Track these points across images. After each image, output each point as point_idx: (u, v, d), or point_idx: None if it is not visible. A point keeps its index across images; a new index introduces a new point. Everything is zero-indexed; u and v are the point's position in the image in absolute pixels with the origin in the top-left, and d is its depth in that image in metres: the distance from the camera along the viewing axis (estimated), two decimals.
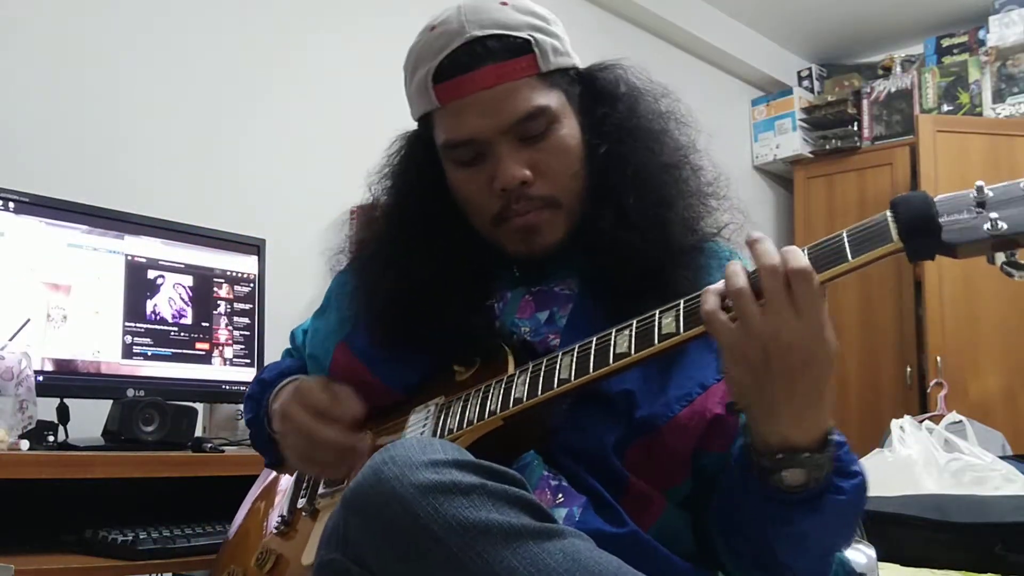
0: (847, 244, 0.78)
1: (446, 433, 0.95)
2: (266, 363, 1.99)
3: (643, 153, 1.00)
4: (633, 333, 0.86)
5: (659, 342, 0.84)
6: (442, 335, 1.02)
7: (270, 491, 1.22)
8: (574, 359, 0.89)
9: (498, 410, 0.91)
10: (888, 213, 0.77)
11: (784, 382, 0.78)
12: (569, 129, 1.00)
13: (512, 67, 0.96)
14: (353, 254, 1.17)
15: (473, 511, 0.72)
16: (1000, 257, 0.75)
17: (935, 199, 0.76)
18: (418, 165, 1.06)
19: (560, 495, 0.91)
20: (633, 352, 0.85)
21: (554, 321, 1.00)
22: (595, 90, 1.03)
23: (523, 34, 0.97)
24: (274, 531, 1.11)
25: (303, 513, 1.09)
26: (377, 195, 1.10)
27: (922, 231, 0.75)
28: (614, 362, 0.86)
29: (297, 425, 1.01)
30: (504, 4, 0.99)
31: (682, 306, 0.85)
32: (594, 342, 0.89)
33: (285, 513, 1.12)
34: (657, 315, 0.86)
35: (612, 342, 0.87)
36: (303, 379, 1.09)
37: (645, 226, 0.96)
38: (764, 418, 0.81)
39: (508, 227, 1.00)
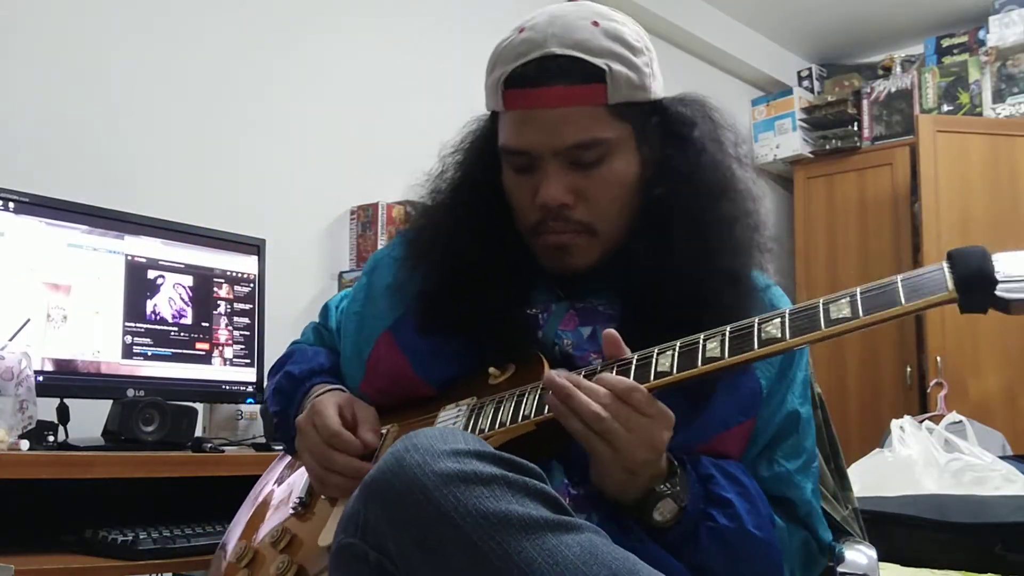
0: (901, 289, 0.80)
1: (477, 433, 0.95)
2: (266, 364, 1.99)
3: (697, 203, 0.99)
4: (676, 353, 0.87)
5: (702, 364, 0.85)
6: (478, 323, 1.02)
7: (286, 474, 1.21)
8: (614, 372, 0.89)
9: (532, 415, 0.92)
10: (945, 264, 0.79)
11: (650, 464, 0.87)
12: (624, 163, 0.99)
13: (580, 92, 0.95)
14: (411, 222, 1.18)
15: (493, 501, 0.72)
16: None
17: (992, 255, 0.78)
18: (485, 153, 1.06)
19: (578, 502, 0.92)
20: (675, 372, 0.86)
21: (596, 339, 0.99)
22: (668, 127, 1.02)
23: (599, 62, 0.95)
24: (291, 512, 1.11)
25: (322, 495, 1.09)
26: (447, 166, 1.11)
27: (977, 285, 0.77)
28: (655, 379, 0.87)
29: (311, 446, 1.02)
30: (595, 24, 0.97)
31: (728, 333, 0.86)
32: (635, 359, 0.90)
33: (303, 495, 1.11)
34: (702, 339, 0.87)
35: (654, 360, 0.88)
36: (323, 399, 1.07)
37: (683, 273, 0.96)
38: (629, 488, 0.88)
39: (542, 241, 1.01)
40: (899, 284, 0.80)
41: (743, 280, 0.98)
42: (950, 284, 0.77)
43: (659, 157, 1.01)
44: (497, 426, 0.94)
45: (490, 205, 1.05)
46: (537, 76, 0.96)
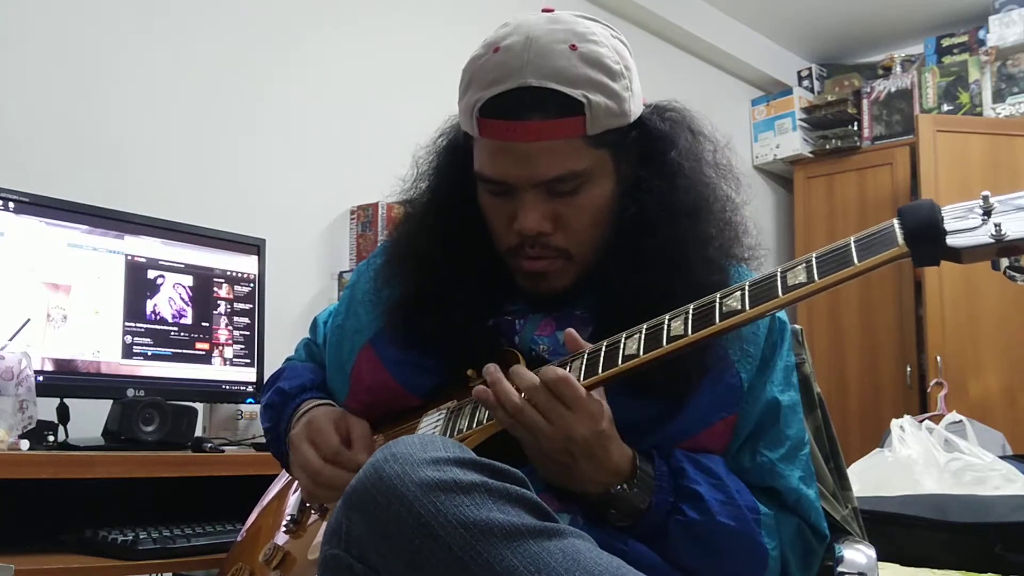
0: (854, 249, 0.80)
1: (456, 433, 0.95)
2: (266, 364, 2.00)
3: (671, 222, 0.97)
4: (642, 336, 0.88)
5: (667, 344, 0.85)
6: (452, 335, 1.02)
7: (284, 492, 1.22)
8: (584, 361, 0.90)
9: None
10: (895, 220, 0.79)
11: (586, 458, 0.87)
12: (601, 188, 0.98)
13: (558, 126, 0.93)
14: (390, 231, 1.18)
15: (474, 510, 0.72)
16: (1004, 262, 0.78)
17: (941, 207, 0.78)
18: (459, 166, 1.05)
19: (564, 502, 0.92)
20: (642, 353, 0.86)
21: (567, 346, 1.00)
22: (645, 143, 1.00)
23: (578, 94, 0.92)
24: (283, 530, 1.11)
25: (312, 512, 1.10)
26: (423, 171, 1.10)
27: (927, 237, 0.77)
28: (623, 363, 0.87)
29: (303, 463, 1.02)
30: (573, 48, 0.93)
31: (691, 311, 0.87)
32: (604, 345, 0.90)
33: (295, 512, 1.12)
34: (667, 319, 0.88)
35: (621, 345, 0.88)
36: (317, 414, 1.07)
37: (654, 288, 0.95)
38: (582, 485, 0.90)
39: (518, 265, 1.01)
40: (852, 245, 0.80)
41: (707, 291, 0.94)
42: (900, 239, 0.78)
43: (634, 180, 1.00)
44: (475, 425, 0.94)
45: (464, 216, 1.04)
46: (514, 108, 0.93)
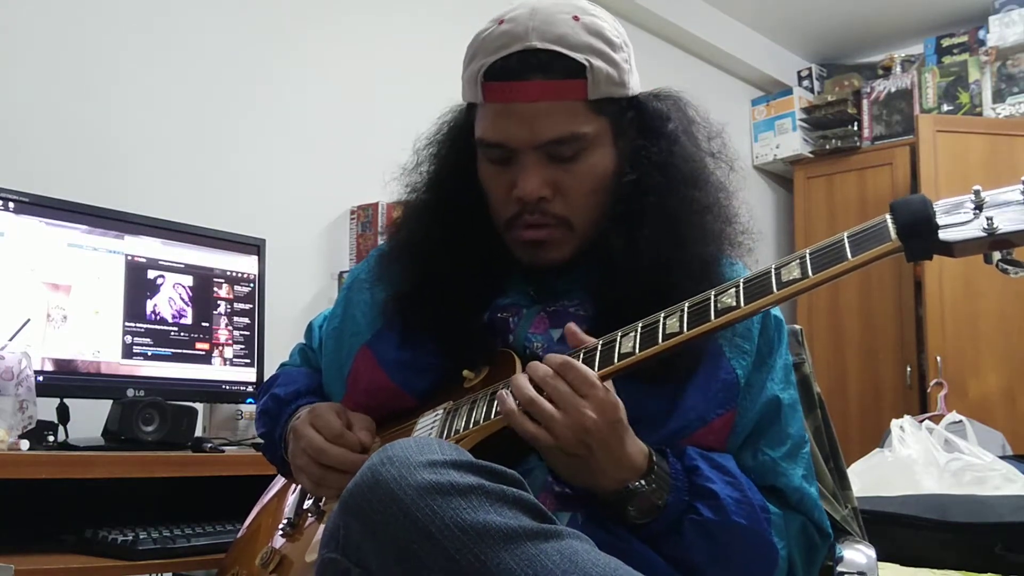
0: (847, 244, 0.80)
1: (452, 434, 0.95)
2: (266, 364, 2.00)
3: (669, 190, 0.99)
4: (638, 334, 0.88)
5: (663, 341, 0.86)
6: (449, 325, 1.03)
7: (281, 495, 1.22)
8: (579, 359, 0.90)
9: None
10: (887, 215, 0.80)
11: (602, 449, 0.85)
12: (601, 158, 1.00)
13: (560, 87, 0.96)
14: (391, 223, 1.19)
15: (471, 512, 0.72)
16: (996, 255, 0.78)
17: (933, 202, 0.79)
18: (460, 145, 1.06)
19: (563, 501, 0.92)
20: (637, 351, 0.87)
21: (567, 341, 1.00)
22: (643, 120, 1.03)
23: (580, 57, 0.95)
24: (280, 533, 1.11)
25: (309, 515, 1.10)
26: (422, 159, 1.11)
27: (920, 231, 0.77)
28: (618, 362, 0.87)
29: (306, 446, 1.02)
30: (576, 19, 0.97)
31: (686, 308, 0.87)
32: (600, 344, 0.90)
33: (292, 516, 1.12)
34: (662, 317, 0.88)
35: (617, 343, 0.89)
36: (319, 406, 1.08)
37: (652, 259, 0.96)
38: (599, 481, 0.88)
39: (518, 235, 1.02)
40: (845, 240, 0.81)
41: (713, 270, 0.97)
42: (893, 234, 0.78)
43: (633, 149, 1.01)
44: (472, 425, 0.94)
45: (464, 201, 1.05)
46: (517, 69, 0.96)
